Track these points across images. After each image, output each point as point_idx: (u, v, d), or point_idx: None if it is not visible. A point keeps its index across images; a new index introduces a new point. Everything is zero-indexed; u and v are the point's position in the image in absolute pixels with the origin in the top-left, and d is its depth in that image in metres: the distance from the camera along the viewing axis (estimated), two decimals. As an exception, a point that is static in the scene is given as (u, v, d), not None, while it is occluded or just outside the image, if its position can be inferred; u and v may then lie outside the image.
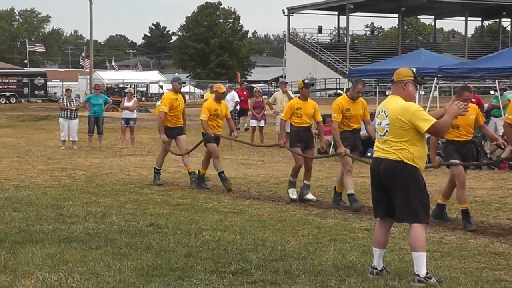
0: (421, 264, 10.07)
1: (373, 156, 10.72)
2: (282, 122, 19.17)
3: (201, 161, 20.38)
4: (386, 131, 10.31)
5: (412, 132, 10.10)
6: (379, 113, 10.57)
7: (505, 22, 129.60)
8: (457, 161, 14.52)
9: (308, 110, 17.87)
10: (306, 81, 18.65)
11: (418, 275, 10.06)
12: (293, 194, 17.93)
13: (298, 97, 18.66)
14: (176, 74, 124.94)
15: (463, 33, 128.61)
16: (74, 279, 10.17)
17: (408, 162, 10.13)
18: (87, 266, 10.92)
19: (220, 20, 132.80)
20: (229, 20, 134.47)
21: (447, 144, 14.99)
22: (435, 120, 10.14)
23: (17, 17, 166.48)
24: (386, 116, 10.33)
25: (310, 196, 17.95)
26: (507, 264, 11.58)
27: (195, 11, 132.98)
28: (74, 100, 34.11)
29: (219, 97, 19.98)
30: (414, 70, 11.40)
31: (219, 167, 19.82)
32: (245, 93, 44.57)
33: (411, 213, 10.21)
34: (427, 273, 10.08)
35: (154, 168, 20.97)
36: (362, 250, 12.14)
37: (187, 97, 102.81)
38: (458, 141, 14.74)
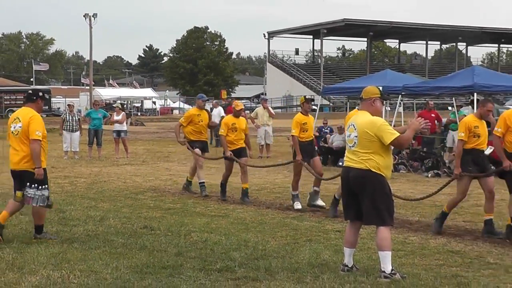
0: (387, 262, 10.15)
1: (344, 165, 10.74)
2: (295, 139, 17.75)
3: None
4: (355, 142, 10.37)
5: (378, 144, 10.17)
6: (349, 127, 10.64)
7: (461, 46, 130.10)
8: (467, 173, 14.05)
9: (311, 124, 17.73)
10: (307, 97, 18.52)
11: (384, 271, 10.13)
12: (298, 205, 17.46)
13: (301, 112, 18.05)
14: (168, 91, 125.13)
15: (424, 55, 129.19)
16: (75, 276, 10.19)
17: (375, 171, 10.20)
18: (87, 264, 10.94)
19: (207, 43, 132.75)
20: (215, 43, 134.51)
21: (464, 155, 14.23)
22: (399, 134, 10.22)
23: (24, 39, 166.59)
24: (355, 129, 10.38)
25: (320, 202, 17.55)
26: (462, 261, 11.67)
27: (185, 35, 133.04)
28: (75, 114, 34.25)
29: (236, 114, 19.22)
30: (381, 88, 11.49)
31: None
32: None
33: (378, 217, 10.27)
34: (392, 270, 10.17)
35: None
36: (334, 250, 12.17)
37: (176, 112, 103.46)
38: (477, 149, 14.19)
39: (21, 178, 12.91)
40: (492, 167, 14.22)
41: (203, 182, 19.67)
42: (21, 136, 12.83)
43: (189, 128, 19.82)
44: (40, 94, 13.91)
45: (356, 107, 17.69)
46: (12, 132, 13.08)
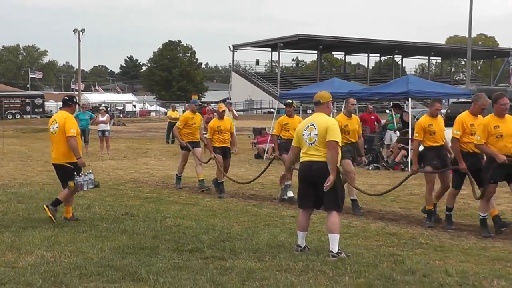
0: (335, 243, 10.24)
1: (303, 160, 10.65)
2: (274, 137, 17.92)
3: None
4: (315, 140, 10.41)
5: None
6: (307, 126, 10.62)
7: (397, 58, 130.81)
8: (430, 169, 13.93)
9: (295, 125, 17.32)
10: (287, 102, 18.43)
11: (332, 251, 10.22)
12: (290, 193, 16.69)
13: (286, 115, 17.79)
14: (146, 96, 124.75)
15: (366, 65, 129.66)
16: (65, 256, 10.15)
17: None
18: (75, 246, 10.90)
19: (180, 54, 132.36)
20: (187, 54, 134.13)
21: (427, 152, 14.09)
22: (339, 140, 10.40)
23: (22, 51, 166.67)
24: (315, 128, 10.44)
25: (290, 193, 16.75)
26: (398, 242, 11.78)
27: (161, 47, 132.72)
28: None
29: (220, 116, 18.68)
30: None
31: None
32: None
33: (336, 203, 10.42)
34: (338, 250, 10.25)
35: (176, 174, 19.73)
36: (289, 233, 12.17)
37: (153, 114, 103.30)
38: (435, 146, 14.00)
39: (60, 170, 13.54)
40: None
41: (203, 179, 19.07)
42: (59, 134, 13.30)
43: (183, 130, 19.27)
44: (74, 100, 14.42)
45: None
46: (52, 132, 13.58)
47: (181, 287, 8.31)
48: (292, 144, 11.13)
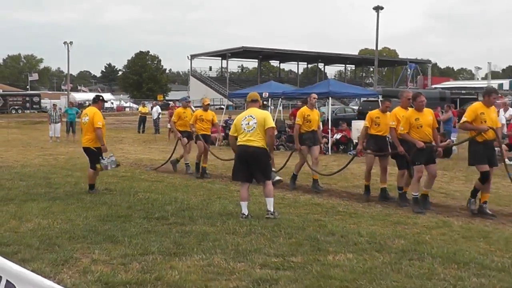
0: (271, 205, 10.74)
1: (240, 144, 10.82)
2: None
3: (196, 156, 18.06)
4: (253, 127, 10.70)
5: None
6: (245, 118, 10.87)
7: (321, 65, 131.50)
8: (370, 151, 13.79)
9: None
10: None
11: (269, 211, 10.65)
12: (277, 177, 16.09)
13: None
14: (122, 95, 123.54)
15: (296, 71, 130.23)
16: (57, 223, 10.08)
17: (264, 148, 10.71)
18: (65, 215, 10.78)
19: (149, 62, 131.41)
20: (154, 62, 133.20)
21: (369, 139, 13.85)
22: (274, 126, 11.01)
23: (22, 59, 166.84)
24: (254, 119, 10.75)
25: (277, 177, 16.24)
26: (322, 210, 11.82)
27: (133, 56, 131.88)
28: (58, 111, 34.65)
29: (205, 108, 18.31)
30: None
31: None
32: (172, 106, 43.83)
33: (266, 176, 10.88)
34: (274, 211, 10.71)
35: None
36: (236, 204, 12.10)
37: (127, 109, 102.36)
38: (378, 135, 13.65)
39: (88, 152, 14.04)
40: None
41: (188, 163, 18.50)
42: (88, 125, 13.82)
43: (178, 123, 18.61)
44: (100, 98, 14.82)
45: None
46: (83, 123, 14.09)
47: (150, 247, 8.27)
48: (230, 133, 11.50)
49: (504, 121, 23.53)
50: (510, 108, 24.33)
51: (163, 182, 15.87)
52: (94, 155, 13.87)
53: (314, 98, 15.63)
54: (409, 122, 12.22)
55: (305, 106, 15.55)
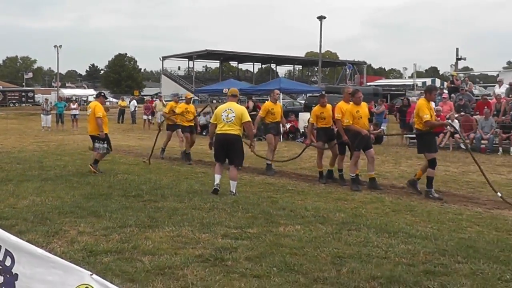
0: (234, 187, 10.87)
1: (219, 132, 10.93)
2: (258, 118, 15.48)
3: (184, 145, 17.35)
4: (232, 119, 10.82)
5: (241, 122, 10.91)
6: (225, 110, 10.98)
7: (273, 66, 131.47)
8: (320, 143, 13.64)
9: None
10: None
11: (232, 191, 10.80)
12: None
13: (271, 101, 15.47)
14: (104, 91, 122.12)
15: (252, 71, 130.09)
16: (49, 200, 9.97)
17: (240, 136, 10.96)
18: (56, 193, 10.64)
19: (126, 63, 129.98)
20: (131, 63, 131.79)
21: (319, 131, 13.74)
22: (250, 120, 11.06)
23: (19, 60, 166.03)
24: (233, 112, 10.89)
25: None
26: (274, 188, 11.84)
27: (113, 57, 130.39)
28: (49, 104, 34.23)
29: (188, 101, 17.60)
30: (227, 89, 11.68)
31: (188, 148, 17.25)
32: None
33: (239, 161, 11.29)
34: (236, 192, 10.79)
35: (184, 151, 17.28)
36: (201, 183, 12.16)
37: (108, 103, 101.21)
38: (325, 128, 13.48)
39: (93, 139, 14.34)
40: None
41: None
42: (91, 116, 14.25)
43: (181, 118, 17.21)
44: (102, 94, 15.56)
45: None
46: (87, 114, 14.60)
47: (128, 221, 8.23)
48: (211, 121, 11.47)
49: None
50: (432, 102, 24.64)
51: (139, 165, 15.73)
52: (96, 140, 14.27)
53: (277, 93, 15.59)
54: (352, 114, 12.29)
55: (269, 101, 15.46)
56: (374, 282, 5.74)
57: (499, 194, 10.70)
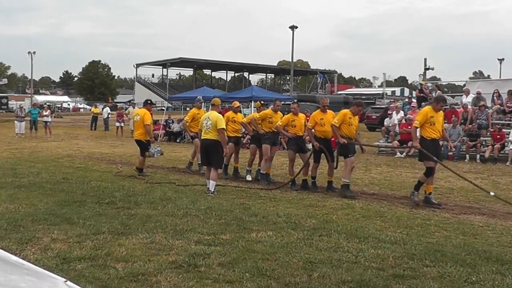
0: (213, 186, 11.86)
1: (202, 138, 12.25)
2: (254, 119, 14.88)
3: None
4: (209, 126, 12.03)
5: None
6: (206, 118, 12.20)
7: (246, 74, 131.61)
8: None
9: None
10: (262, 102, 17.90)
11: (210, 190, 11.79)
12: (249, 178, 14.68)
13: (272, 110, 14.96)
14: (78, 97, 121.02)
15: (225, 79, 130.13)
16: (22, 207, 9.85)
17: (218, 140, 11.95)
18: (29, 200, 10.50)
19: (100, 69, 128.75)
20: (105, 70, 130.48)
21: (289, 139, 13.69)
22: (224, 127, 12.13)
23: None
24: (210, 120, 12.06)
25: (249, 177, 14.72)
26: (246, 195, 11.85)
27: (87, 64, 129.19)
28: (23, 111, 33.72)
29: (235, 111, 15.76)
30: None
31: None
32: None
33: (219, 164, 12.29)
34: (214, 191, 11.78)
35: (189, 161, 16.67)
36: (174, 190, 12.13)
37: (82, 110, 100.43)
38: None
39: (139, 144, 15.13)
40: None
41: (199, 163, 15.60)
42: (139, 122, 15.06)
43: (191, 124, 15.87)
44: (149, 102, 15.86)
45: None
46: (135, 121, 15.60)
47: (101, 228, 8.17)
48: (199, 127, 12.72)
49: (396, 122, 24.16)
50: (401, 111, 24.93)
51: (112, 173, 15.60)
52: (144, 145, 14.98)
53: (279, 105, 14.80)
54: (316, 121, 12.90)
55: (270, 109, 15.01)
56: (344, 286, 5.79)
57: (491, 193, 11.24)
